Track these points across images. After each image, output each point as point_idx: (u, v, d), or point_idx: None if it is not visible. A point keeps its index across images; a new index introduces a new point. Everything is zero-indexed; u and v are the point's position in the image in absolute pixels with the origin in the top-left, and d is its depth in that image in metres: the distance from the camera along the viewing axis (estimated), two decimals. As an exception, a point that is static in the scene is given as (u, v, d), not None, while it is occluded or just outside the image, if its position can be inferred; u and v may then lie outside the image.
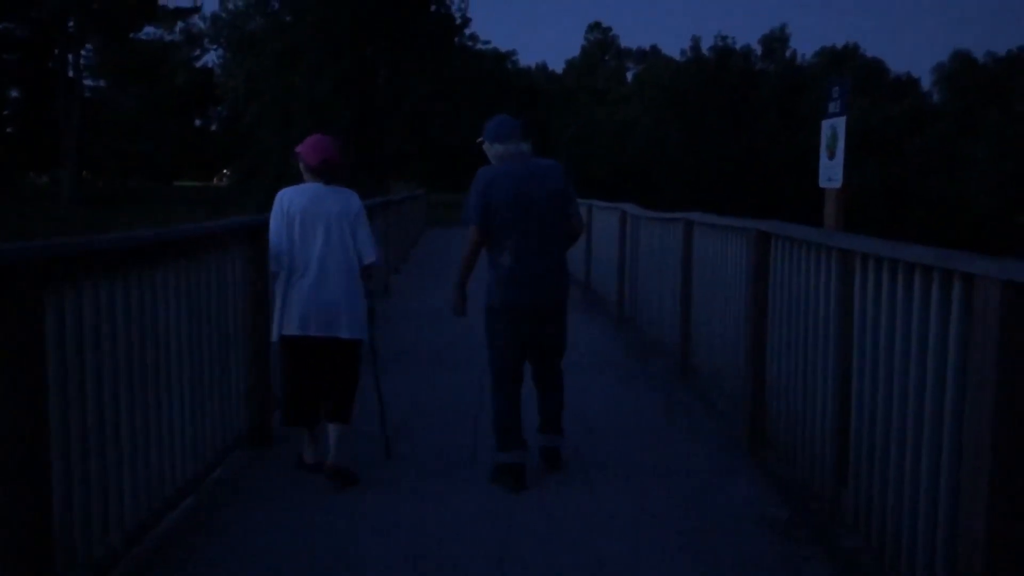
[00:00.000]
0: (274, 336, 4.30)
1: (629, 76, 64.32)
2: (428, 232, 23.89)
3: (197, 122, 51.02)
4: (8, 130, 40.15)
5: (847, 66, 54.11)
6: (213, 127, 51.47)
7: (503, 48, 73.79)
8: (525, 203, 4.08)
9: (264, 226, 4.47)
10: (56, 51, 37.18)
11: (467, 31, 40.43)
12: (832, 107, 5.03)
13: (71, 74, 37.41)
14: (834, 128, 5.02)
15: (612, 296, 9.81)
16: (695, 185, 46.14)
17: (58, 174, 37.16)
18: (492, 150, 4.23)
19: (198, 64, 47.71)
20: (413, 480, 4.18)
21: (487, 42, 47.06)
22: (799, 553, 3.40)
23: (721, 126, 49.75)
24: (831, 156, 5.07)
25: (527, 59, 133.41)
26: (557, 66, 71.82)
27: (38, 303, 2.54)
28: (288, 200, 4.20)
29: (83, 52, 38.75)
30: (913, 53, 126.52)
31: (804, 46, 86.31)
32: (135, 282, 3.21)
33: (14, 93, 40.40)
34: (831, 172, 5.10)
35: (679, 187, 45.11)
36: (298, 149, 4.29)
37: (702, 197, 33.39)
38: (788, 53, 56.91)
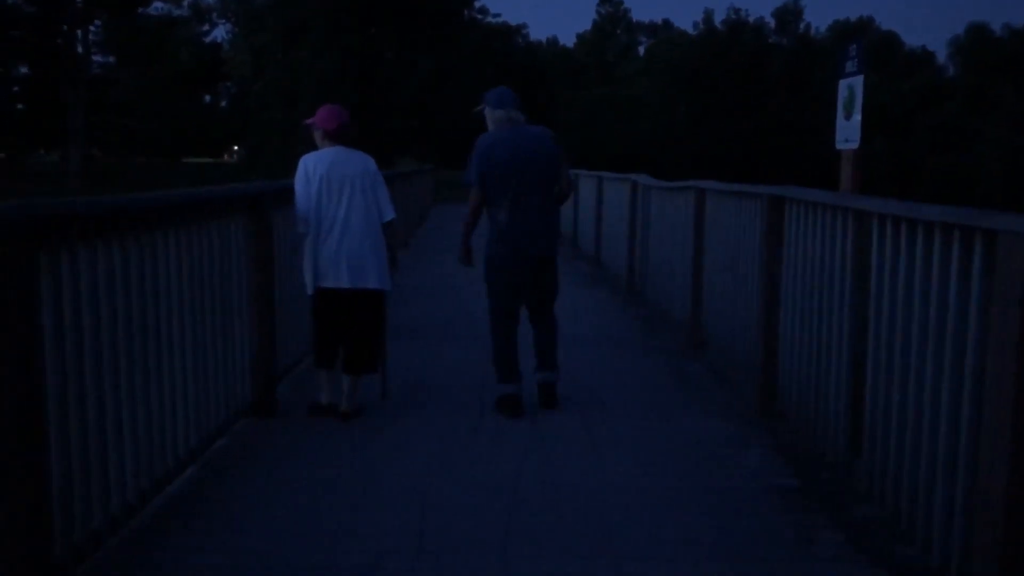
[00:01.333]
0: (309, 290, 4.59)
1: (641, 51, 63.70)
2: (435, 208, 23.80)
3: (206, 98, 50.88)
4: (18, 106, 40.02)
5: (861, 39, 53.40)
6: (222, 103, 51.30)
7: (513, 22, 73.24)
8: (519, 165, 4.52)
9: (266, 195, 4.64)
10: (64, 27, 36.98)
11: (476, 3, 40.10)
12: (849, 66, 4.90)
13: (79, 50, 37.26)
14: (851, 87, 4.88)
15: (622, 269, 9.73)
16: (706, 161, 45.80)
17: (66, 152, 37.07)
18: (492, 115, 4.66)
19: (207, 40, 47.51)
20: (419, 447, 4.14)
21: (497, 15, 46.65)
22: (811, 522, 3.34)
23: (732, 100, 49.31)
24: (848, 116, 4.94)
25: (538, 33, 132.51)
26: (568, 40, 71.16)
27: (33, 264, 2.48)
28: (312, 164, 4.46)
29: (91, 28, 38.58)
30: (929, 26, 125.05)
31: (817, 19, 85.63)
32: (134, 246, 3.15)
33: (23, 69, 40.25)
34: (848, 133, 4.97)
35: (689, 163, 44.78)
36: (312, 120, 4.56)
37: (713, 173, 33.19)
38: (801, 27, 56.31)
